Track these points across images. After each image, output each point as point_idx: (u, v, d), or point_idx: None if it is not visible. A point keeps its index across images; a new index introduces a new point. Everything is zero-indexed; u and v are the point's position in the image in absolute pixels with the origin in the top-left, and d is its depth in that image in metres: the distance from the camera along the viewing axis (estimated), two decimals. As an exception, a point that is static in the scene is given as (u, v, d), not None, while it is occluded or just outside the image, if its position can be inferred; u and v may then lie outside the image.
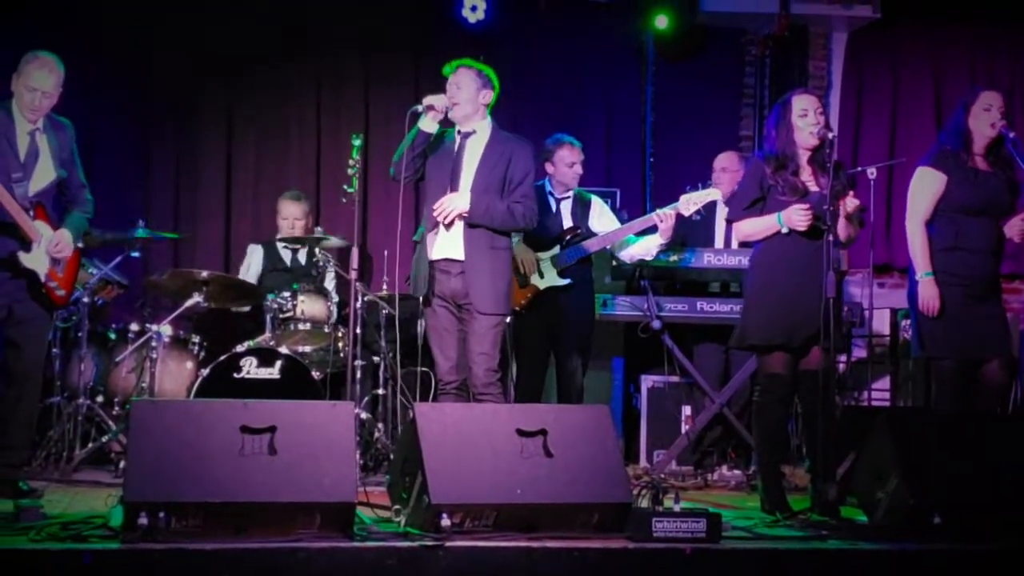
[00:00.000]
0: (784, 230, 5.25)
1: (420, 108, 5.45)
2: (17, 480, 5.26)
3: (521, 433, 4.54)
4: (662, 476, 6.32)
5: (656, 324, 6.64)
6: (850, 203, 5.19)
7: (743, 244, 6.42)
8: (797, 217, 5.19)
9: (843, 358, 7.65)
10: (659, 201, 7.25)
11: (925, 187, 5.54)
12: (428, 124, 5.49)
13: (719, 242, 6.99)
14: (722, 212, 6.94)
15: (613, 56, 8.60)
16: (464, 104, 5.53)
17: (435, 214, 5.46)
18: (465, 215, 5.44)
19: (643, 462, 7.00)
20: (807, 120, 5.30)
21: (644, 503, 4.55)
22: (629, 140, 8.59)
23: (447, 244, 5.50)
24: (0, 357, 5.41)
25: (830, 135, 5.18)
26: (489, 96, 5.59)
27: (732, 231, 6.87)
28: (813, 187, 5.27)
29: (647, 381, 7.15)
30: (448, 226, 5.47)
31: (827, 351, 4.99)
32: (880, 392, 7.95)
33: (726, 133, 8.55)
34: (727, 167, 7.05)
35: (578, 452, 4.54)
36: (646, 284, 6.70)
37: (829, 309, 4.94)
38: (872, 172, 6.95)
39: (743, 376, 6.62)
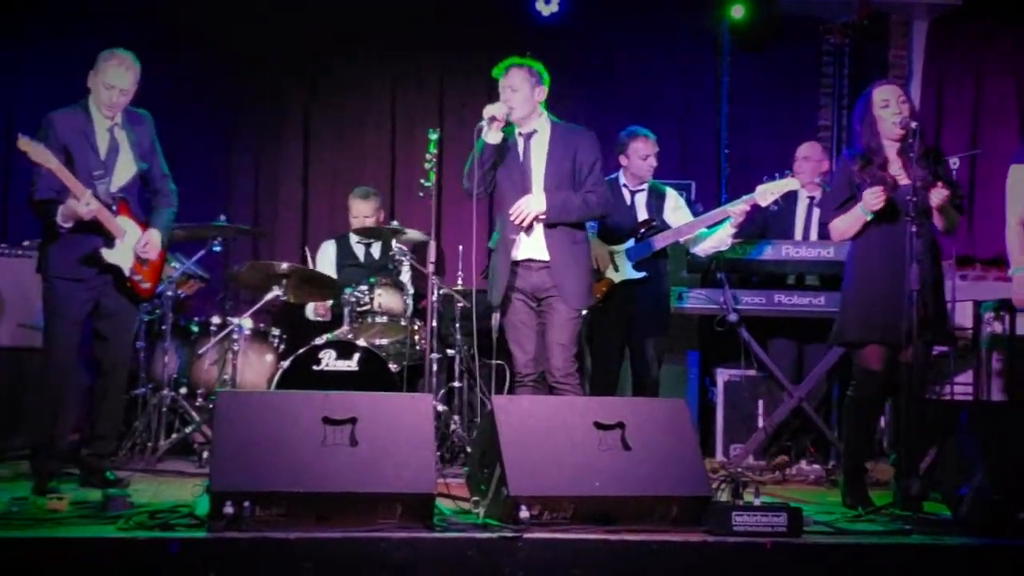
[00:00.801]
0: (868, 216, 5.21)
1: (484, 122, 5.44)
2: (105, 470, 5.38)
3: (599, 426, 4.54)
4: (739, 470, 6.27)
5: (732, 317, 6.59)
6: (936, 195, 5.12)
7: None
8: (870, 199, 5.16)
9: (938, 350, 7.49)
10: (735, 193, 7.21)
11: (1020, 185, 5.47)
12: (493, 136, 5.47)
13: (798, 233, 6.93)
14: (803, 202, 6.89)
15: (688, 47, 8.55)
16: (521, 106, 5.51)
17: (513, 219, 5.47)
18: (542, 216, 5.46)
19: (719, 456, 6.97)
20: (889, 111, 5.26)
21: (723, 497, 4.53)
22: (704, 132, 8.55)
23: (530, 246, 5.52)
24: (88, 350, 5.53)
25: (913, 124, 5.12)
26: (543, 93, 5.58)
27: (808, 227, 6.84)
28: (904, 180, 5.21)
29: (723, 375, 7.11)
30: (528, 230, 5.48)
31: (912, 345, 4.94)
32: (963, 386, 7.83)
33: (804, 124, 8.48)
34: (809, 156, 6.98)
35: (656, 445, 4.54)
36: (722, 277, 6.65)
37: (913, 302, 4.89)
38: (955, 162, 6.85)
39: (821, 370, 6.56)
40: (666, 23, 8.38)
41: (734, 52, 8.52)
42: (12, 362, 6.51)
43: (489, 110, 5.44)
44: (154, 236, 5.43)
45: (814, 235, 6.86)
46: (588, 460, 4.46)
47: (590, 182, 5.54)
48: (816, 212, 6.90)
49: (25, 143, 5.01)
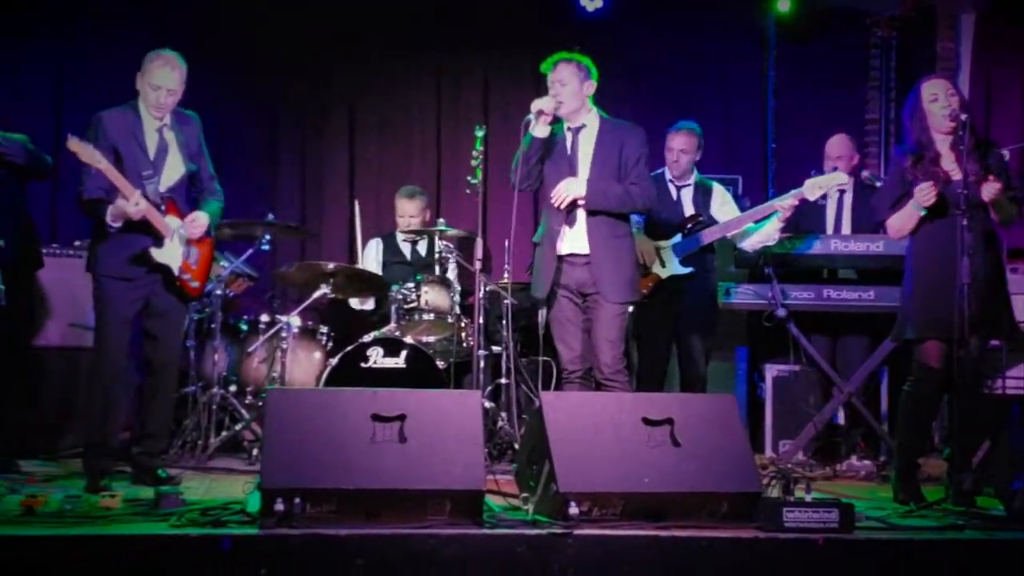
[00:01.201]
0: (921, 212, 5.17)
1: (531, 116, 5.43)
2: (156, 468, 5.43)
3: (647, 422, 4.53)
4: (789, 466, 6.23)
5: (781, 312, 6.54)
6: (987, 190, 5.07)
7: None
8: (921, 196, 5.12)
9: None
10: (781, 188, 7.16)
11: None
12: (541, 130, 5.45)
13: (830, 227, 6.88)
14: (833, 196, 6.82)
15: (733, 41, 8.51)
16: (570, 100, 5.50)
17: (553, 201, 5.46)
18: (581, 200, 5.44)
19: (768, 452, 6.93)
20: (938, 104, 5.22)
21: (774, 493, 4.50)
22: (750, 126, 8.50)
23: (573, 239, 5.51)
24: (138, 349, 5.58)
25: (963, 117, 5.07)
26: (592, 87, 5.56)
27: (840, 219, 6.78)
28: (956, 175, 5.15)
29: (771, 370, 7.08)
30: (569, 218, 5.46)
31: (965, 340, 4.89)
32: (1015, 380, 7.73)
33: (851, 117, 8.41)
34: (842, 155, 6.87)
35: (705, 441, 4.53)
36: (770, 271, 6.60)
37: (964, 296, 4.84)
38: (1005, 154, 6.76)
39: (872, 364, 6.50)
40: (711, 16, 8.34)
41: (780, 46, 8.47)
42: (63, 361, 6.58)
43: (537, 104, 5.42)
44: (201, 215, 5.46)
45: (846, 228, 6.80)
46: (637, 456, 4.45)
47: (634, 175, 5.51)
48: (848, 205, 6.85)
49: (75, 143, 5.06)
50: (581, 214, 5.50)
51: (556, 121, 5.54)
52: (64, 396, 6.54)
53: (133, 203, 5.11)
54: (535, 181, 5.57)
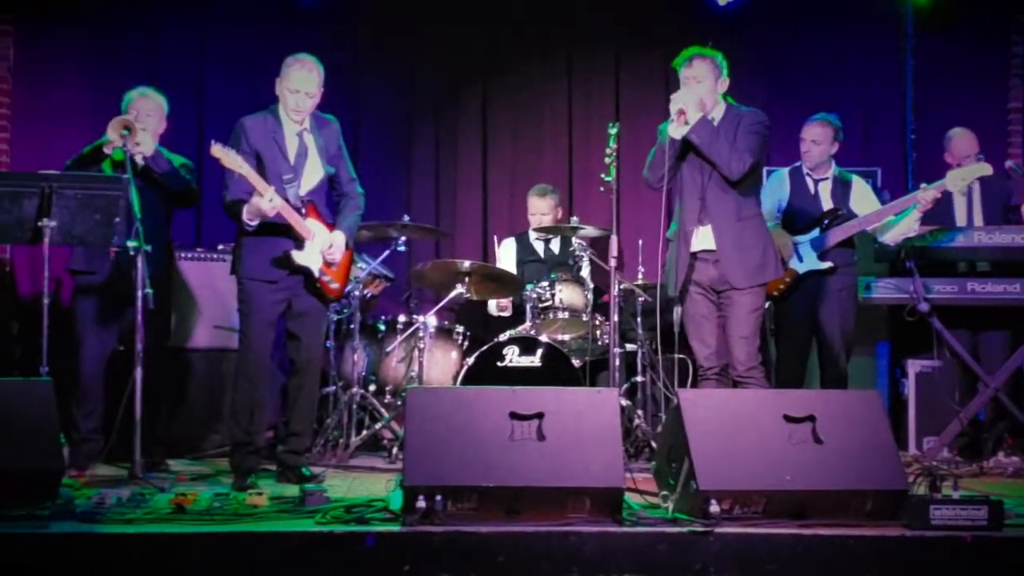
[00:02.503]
0: None
1: (672, 117, 5.36)
2: (300, 466, 5.55)
3: (788, 419, 4.48)
4: (935, 463, 6.09)
5: (923, 307, 6.39)
6: None
7: None
8: None
9: None
10: (921, 179, 6.98)
11: None
12: (678, 130, 5.37)
13: (960, 219, 6.70)
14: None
15: (869, 30, 8.32)
16: (708, 97, 5.43)
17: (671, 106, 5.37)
18: (691, 127, 5.32)
19: (912, 449, 6.79)
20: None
21: (920, 490, 4.41)
22: (889, 117, 8.31)
23: (703, 237, 5.46)
24: (281, 350, 5.70)
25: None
26: (726, 84, 5.50)
27: (971, 211, 6.60)
28: None
29: (914, 366, 6.93)
30: (700, 215, 5.40)
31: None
32: None
33: (993, 106, 8.17)
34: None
35: (849, 438, 4.46)
36: (911, 265, 6.45)
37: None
38: None
39: (1020, 359, 6.32)
40: (846, 6, 8.18)
41: (918, 34, 8.25)
42: (209, 363, 6.77)
43: (678, 102, 5.35)
44: (338, 239, 5.55)
45: (977, 220, 6.62)
46: (778, 453, 4.41)
47: (738, 142, 5.37)
48: (977, 196, 6.69)
49: (218, 150, 5.20)
50: (710, 209, 5.43)
51: None
52: (210, 397, 6.74)
53: (267, 199, 5.21)
54: (671, 179, 5.52)
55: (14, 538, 3.99)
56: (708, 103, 5.42)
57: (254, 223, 5.34)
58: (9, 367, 7.25)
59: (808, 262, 6.36)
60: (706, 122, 5.36)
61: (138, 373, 5.28)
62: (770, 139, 5.71)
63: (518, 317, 7.16)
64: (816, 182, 6.55)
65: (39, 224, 5.24)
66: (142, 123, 5.73)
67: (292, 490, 4.95)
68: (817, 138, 6.51)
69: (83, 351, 5.89)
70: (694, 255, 5.48)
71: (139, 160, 5.69)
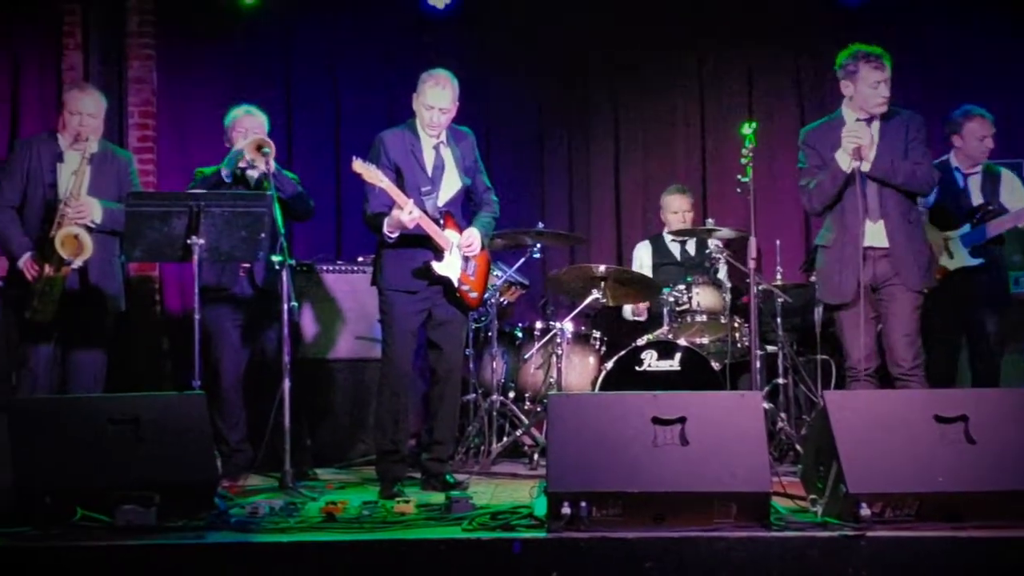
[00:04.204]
0: None
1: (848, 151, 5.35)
2: (445, 473, 5.62)
3: (940, 419, 4.37)
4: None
5: (1076, 301, 6.20)
6: None
7: None
8: None
9: None
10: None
11: None
12: (851, 164, 5.35)
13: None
14: None
15: (1007, 17, 8.07)
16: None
17: (844, 136, 5.36)
18: (867, 162, 5.31)
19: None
20: None
21: (1081, 491, 4.27)
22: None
23: (872, 233, 5.39)
24: (419, 360, 5.78)
25: None
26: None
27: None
28: None
29: (1070, 363, 6.71)
30: (867, 212, 5.33)
31: None
32: None
33: None
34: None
35: (1004, 438, 4.33)
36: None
37: None
38: None
39: None
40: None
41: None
42: (352, 373, 6.87)
43: (852, 138, 5.34)
44: (473, 232, 5.62)
45: None
46: (930, 454, 4.31)
47: (917, 155, 5.39)
48: None
49: (359, 165, 5.31)
50: (886, 206, 5.39)
51: None
52: (354, 406, 6.83)
53: (407, 212, 5.30)
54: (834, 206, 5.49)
55: (174, 548, 4.12)
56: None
57: (394, 235, 5.43)
58: (160, 381, 7.52)
59: (959, 259, 6.19)
60: (882, 154, 5.33)
61: (286, 384, 5.42)
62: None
63: (652, 321, 7.13)
64: (965, 176, 6.38)
65: (188, 242, 5.40)
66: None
67: (437, 497, 5.01)
68: (986, 133, 6.31)
69: (222, 365, 6.04)
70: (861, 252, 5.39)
71: (255, 174, 5.85)
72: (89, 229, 5.68)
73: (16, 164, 5.85)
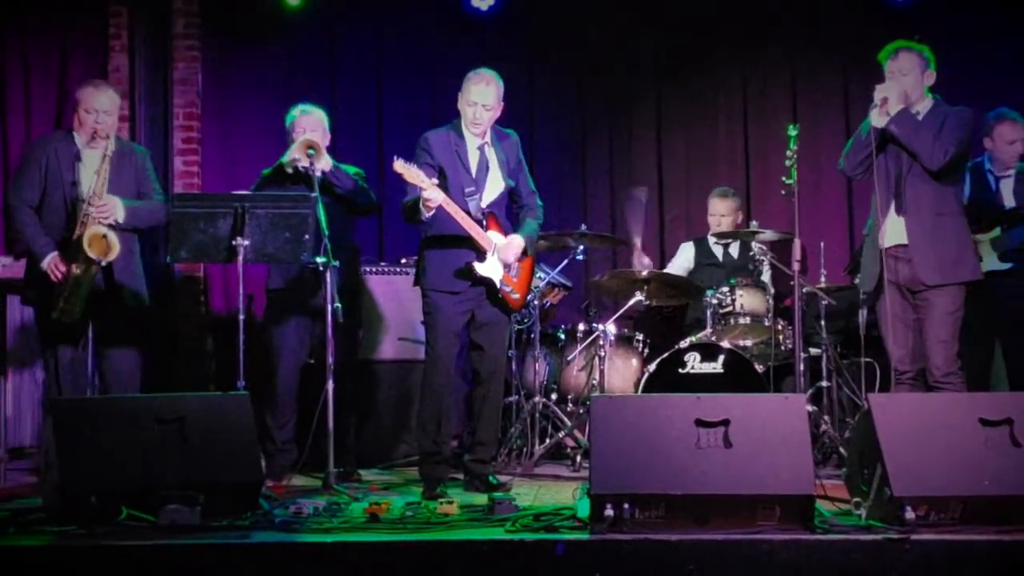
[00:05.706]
0: None
1: (875, 103, 5.31)
2: (487, 474, 5.63)
3: (984, 422, 4.35)
4: None
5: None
6: None
7: None
8: None
9: None
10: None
11: None
12: (879, 119, 5.31)
13: None
14: None
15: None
16: (913, 89, 5.36)
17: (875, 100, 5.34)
18: (888, 117, 5.28)
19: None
20: None
21: None
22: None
23: (895, 231, 5.35)
24: (462, 361, 5.79)
25: None
26: (932, 77, 5.42)
27: None
28: None
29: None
30: (891, 205, 5.29)
31: None
32: None
33: None
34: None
35: (1050, 441, 4.30)
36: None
37: None
38: None
39: None
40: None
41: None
42: (396, 374, 6.90)
43: (881, 90, 5.31)
44: (516, 239, 5.63)
45: None
46: (975, 458, 4.28)
47: (943, 133, 5.30)
48: None
49: (400, 165, 5.34)
50: (907, 201, 5.34)
51: None
52: (398, 407, 6.86)
53: (429, 190, 5.30)
54: (867, 171, 5.42)
55: (219, 548, 4.15)
56: (913, 96, 5.36)
57: (429, 213, 5.41)
58: (205, 382, 7.58)
59: (988, 262, 6.11)
60: (907, 113, 5.30)
61: (330, 386, 5.44)
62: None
63: (697, 323, 7.10)
64: (997, 179, 6.31)
65: (233, 243, 5.44)
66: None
67: (480, 498, 5.03)
68: (1016, 137, 6.24)
69: (280, 365, 6.06)
70: (885, 251, 5.36)
71: (317, 174, 5.86)
72: (111, 227, 5.68)
73: (33, 163, 5.80)
